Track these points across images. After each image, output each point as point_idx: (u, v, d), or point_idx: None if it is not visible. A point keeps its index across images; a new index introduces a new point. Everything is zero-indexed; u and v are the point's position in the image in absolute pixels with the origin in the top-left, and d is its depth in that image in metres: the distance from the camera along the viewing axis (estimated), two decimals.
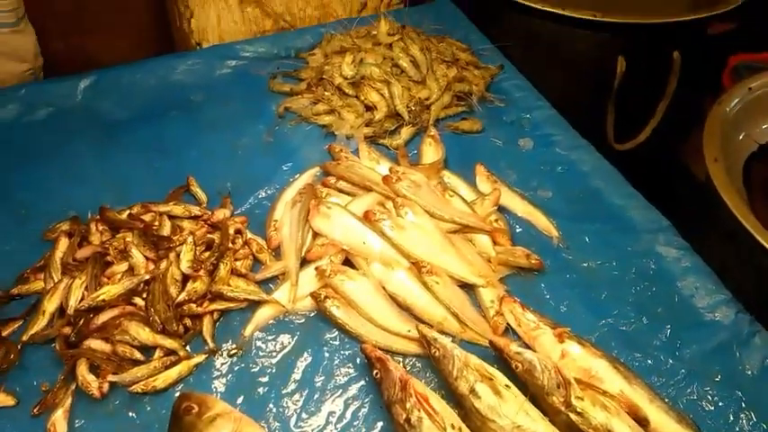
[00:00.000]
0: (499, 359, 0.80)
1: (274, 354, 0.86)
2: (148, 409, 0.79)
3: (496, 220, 1.02)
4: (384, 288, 0.92)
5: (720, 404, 0.79)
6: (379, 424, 0.79)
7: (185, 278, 0.91)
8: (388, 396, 0.76)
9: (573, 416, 0.71)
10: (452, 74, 1.24)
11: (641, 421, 0.73)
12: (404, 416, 0.72)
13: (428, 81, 1.22)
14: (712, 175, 1.03)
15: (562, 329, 0.81)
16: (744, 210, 0.96)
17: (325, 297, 0.90)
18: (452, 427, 0.71)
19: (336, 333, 0.88)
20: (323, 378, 0.83)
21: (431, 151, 1.15)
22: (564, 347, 0.80)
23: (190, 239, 0.94)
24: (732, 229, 1.00)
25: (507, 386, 0.74)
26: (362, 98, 1.20)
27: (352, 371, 0.84)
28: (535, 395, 0.75)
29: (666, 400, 0.76)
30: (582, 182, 1.09)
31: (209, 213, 1.02)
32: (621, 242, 0.99)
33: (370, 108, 1.21)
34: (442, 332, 0.87)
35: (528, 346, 0.83)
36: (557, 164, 1.13)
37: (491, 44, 1.40)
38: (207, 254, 0.94)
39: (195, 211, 1.03)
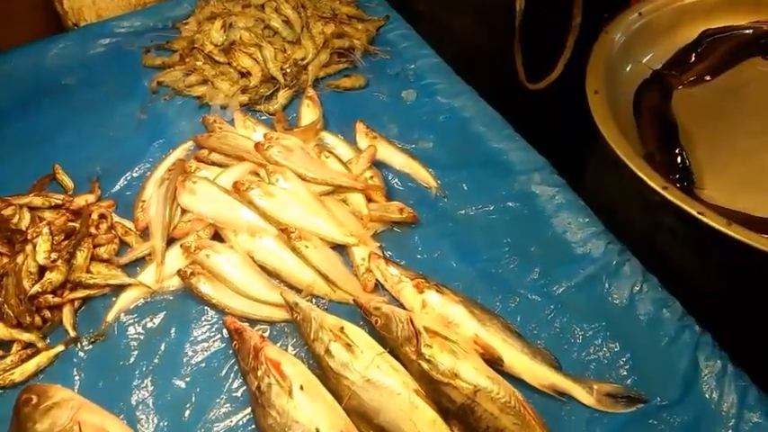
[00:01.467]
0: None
1: (140, 336, 0.86)
2: (8, 403, 0.77)
3: (372, 177, 1.02)
4: (252, 258, 0.93)
5: (587, 335, 0.81)
6: (244, 393, 0.79)
7: (43, 269, 0.91)
8: (244, 365, 0.77)
9: (423, 363, 0.72)
10: (330, 30, 1.22)
11: (496, 361, 0.75)
12: (255, 383, 0.73)
13: (303, 40, 1.20)
14: (592, 108, 1.03)
15: (418, 280, 0.82)
16: (620, 141, 0.96)
17: (191, 273, 0.90)
18: (301, 388, 0.72)
19: (204, 309, 0.88)
20: (189, 355, 0.84)
21: (309, 113, 1.14)
22: (424, 297, 0.81)
23: (45, 230, 0.93)
24: (613, 161, 1.02)
25: (360, 342, 0.75)
26: (235, 65, 1.18)
27: (218, 344, 0.85)
28: (393, 348, 0.77)
29: (522, 338, 0.78)
30: (463, 129, 1.10)
31: (71, 201, 1.01)
32: (498, 186, 1.00)
33: (245, 74, 1.19)
34: (313, 295, 0.89)
35: (397, 301, 0.85)
36: (439, 113, 1.13)
37: None
38: (66, 243, 0.94)
39: (56, 199, 1.01)
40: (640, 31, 1.19)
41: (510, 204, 0.97)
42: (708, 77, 1.15)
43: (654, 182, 0.90)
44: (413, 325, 0.75)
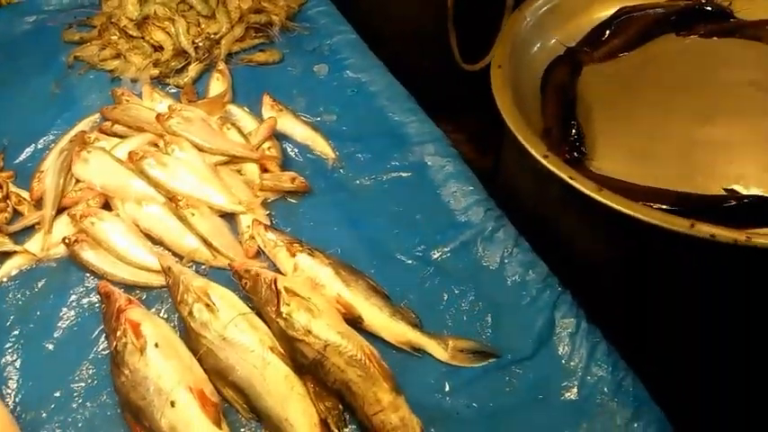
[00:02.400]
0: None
1: (18, 301, 0.88)
2: None
3: (269, 148, 1.04)
4: (138, 226, 0.95)
5: (454, 296, 0.83)
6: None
7: None
8: (107, 327, 0.79)
9: (280, 321, 0.74)
10: (247, 6, 1.24)
11: (356, 319, 0.78)
12: (114, 344, 0.76)
13: (218, 15, 1.22)
14: (492, 82, 1.05)
15: (292, 244, 0.84)
16: (513, 112, 0.98)
17: (75, 241, 0.92)
18: (156, 346, 0.74)
19: (85, 276, 0.90)
20: (63, 319, 0.85)
21: (217, 86, 1.16)
22: (296, 260, 0.83)
23: None
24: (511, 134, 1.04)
25: (224, 304, 0.78)
26: (148, 39, 1.21)
27: (93, 310, 0.86)
28: (259, 309, 0.79)
29: (385, 299, 0.80)
30: (368, 102, 1.12)
31: None
32: (394, 157, 1.02)
33: (158, 48, 1.21)
34: (195, 261, 0.91)
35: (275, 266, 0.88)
36: (347, 87, 1.15)
37: None
38: None
39: None
40: (555, 9, 1.20)
41: (402, 174, 0.99)
42: (620, 54, 1.17)
43: (536, 150, 0.92)
44: (275, 286, 0.77)
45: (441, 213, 0.93)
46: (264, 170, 1.01)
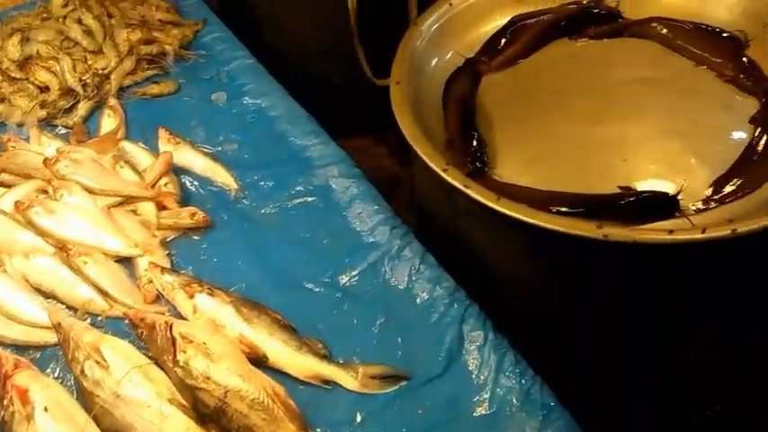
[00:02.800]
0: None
1: None
2: None
3: (166, 184, 1.01)
4: (28, 280, 0.89)
5: (364, 320, 0.82)
6: None
7: None
8: None
9: (178, 370, 0.71)
10: (137, 37, 1.21)
11: (261, 358, 0.76)
12: (2, 414, 0.71)
13: (105, 49, 1.18)
14: (391, 98, 1.06)
15: (190, 285, 0.81)
16: (413, 128, 0.97)
17: None
18: (45, 410, 0.70)
19: None
20: None
21: (109, 123, 1.12)
22: (194, 302, 0.80)
23: None
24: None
25: (117, 358, 0.74)
26: (33, 80, 1.15)
27: None
28: (157, 358, 0.76)
29: (290, 332, 0.78)
30: (269, 128, 1.10)
31: None
32: (297, 182, 1.01)
33: (44, 89, 1.16)
34: (89, 313, 0.86)
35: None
36: (246, 113, 1.14)
37: None
38: None
39: None
40: (452, 20, 1.23)
41: (308, 200, 0.98)
42: (518, 62, 1.20)
43: (435, 164, 0.92)
44: (170, 332, 0.74)
45: (348, 236, 0.92)
46: (162, 208, 0.98)
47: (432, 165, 0.92)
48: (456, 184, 0.89)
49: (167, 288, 0.83)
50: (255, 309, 0.79)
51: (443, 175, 0.91)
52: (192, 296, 0.80)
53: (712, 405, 1.08)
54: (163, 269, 0.85)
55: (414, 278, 0.85)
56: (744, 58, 1.05)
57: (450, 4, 1.22)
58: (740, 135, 0.96)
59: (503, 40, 1.23)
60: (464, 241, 1.03)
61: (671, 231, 0.75)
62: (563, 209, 0.91)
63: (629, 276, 0.90)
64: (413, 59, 1.14)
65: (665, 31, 1.14)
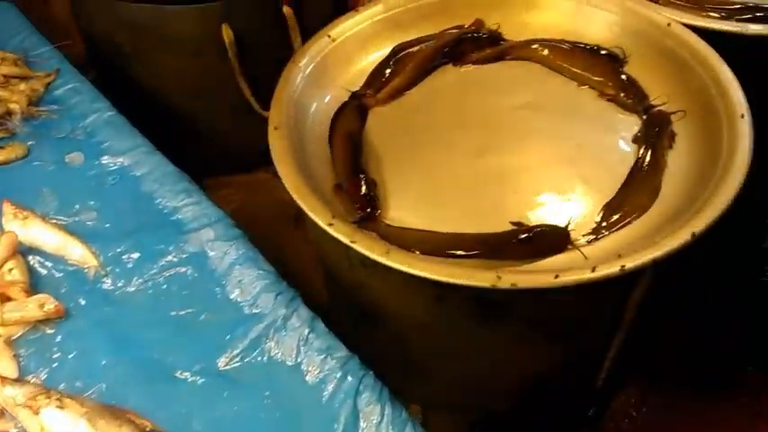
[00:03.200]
0: None
1: None
2: None
3: (11, 270, 0.87)
4: None
5: (249, 410, 0.74)
6: None
7: None
8: None
9: None
10: None
11: None
12: None
13: None
14: (270, 146, 0.98)
15: (34, 397, 0.70)
16: (295, 178, 0.90)
17: None
18: None
19: None
20: None
21: None
22: (40, 419, 0.69)
23: None
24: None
25: None
26: None
27: None
28: None
29: None
30: (134, 190, 0.99)
31: None
32: (169, 250, 0.90)
33: None
34: None
35: None
36: (107, 175, 1.01)
37: (50, 46, 1.24)
38: None
39: None
40: (333, 54, 1.17)
41: (180, 270, 0.87)
42: (404, 92, 1.16)
43: (321, 218, 0.85)
44: None
45: (227, 309, 0.82)
46: (7, 299, 0.85)
47: (316, 219, 0.85)
48: (342, 239, 0.82)
49: (9, 404, 0.70)
50: (115, 417, 0.68)
51: (329, 230, 0.84)
52: (37, 412, 0.68)
53: None
54: (3, 380, 0.72)
55: (302, 351, 0.77)
56: (623, 76, 1.06)
57: (329, 37, 1.17)
58: (625, 156, 0.95)
59: (387, 71, 1.18)
60: (365, 292, 0.97)
61: (556, 276, 0.71)
62: (459, 252, 0.87)
63: (534, 317, 0.87)
64: (293, 100, 1.06)
65: (545, 52, 1.14)
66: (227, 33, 1.38)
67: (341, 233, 0.81)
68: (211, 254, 0.88)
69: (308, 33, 1.25)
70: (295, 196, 0.87)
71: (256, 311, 0.81)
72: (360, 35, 1.19)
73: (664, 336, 1.31)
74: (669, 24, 1.05)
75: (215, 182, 1.80)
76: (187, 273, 0.86)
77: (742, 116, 0.86)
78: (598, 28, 1.14)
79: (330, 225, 0.83)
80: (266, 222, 1.67)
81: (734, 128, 0.86)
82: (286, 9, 1.44)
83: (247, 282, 0.84)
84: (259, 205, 1.73)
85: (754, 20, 1.16)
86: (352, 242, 0.80)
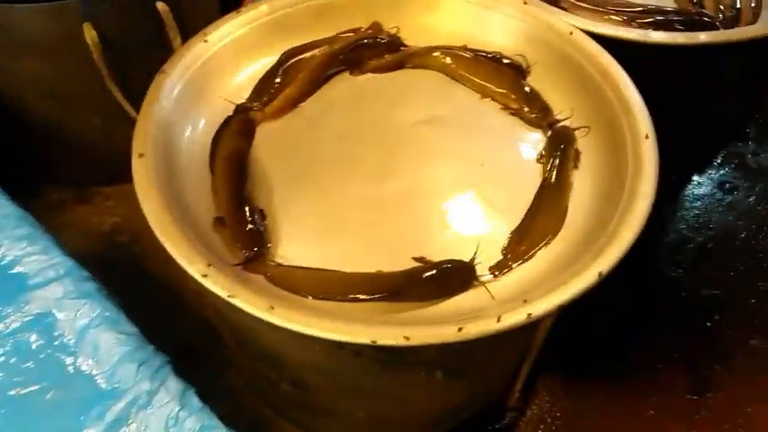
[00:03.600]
0: None
1: None
2: None
3: None
4: None
5: None
6: None
7: None
8: None
9: None
10: None
11: None
12: None
13: None
14: (134, 177, 0.85)
15: None
16: (162, 215, 0.78)
17: None
18: None
19: None
20: None
21: None
22: None
23: None
24: None
25: None
26: None
27: None
28: None
29: None
30: None
31: None
32: (8, 313, 0.74)
33: None
34: None
35: None
36: None
37: None
38: None
39: None
40: (213, 61, 1.03)
41: (21, 338, 0.72)
42: (295, 105, 1.05)
43: (194, 267, 0.74)
44: None
45: (79, 384, 0.69)
46: None
47: (189, 269, 0.73)
48: (220, 293, 0.71)
49: None
50: None
51: (203, 282, 0.72)
52: None
53: None
54: None
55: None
56: (526, 88, 1.01)
57: (207, 41, 1.04)
58: (531, 176, 0.90)
59: (276, 80, 1.06)
60: (260, 338, 0.87)
61: (460, 329, 0.65)
62: (358, 296, 0.78)
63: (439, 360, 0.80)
64: (163, 118, 0.92)
65: (448, 60, 1.07)
66: (89, 34, 1.21)
67: (218, 286, 0.70)
68: (60, 315, 0.74)
69: (191, 32, 1.11)
70: (163, 239, 0.75)
71: (115, 386, 0.69)
72: (243, 39, 1.06)
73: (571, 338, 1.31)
74: (571, 33, 1.01)
75: (92, 194, 1.63)
76: (30, 341, 0.72)
77: (646, 137, 0.83)
78: (501, 34, 1.08)
79: (205, 276, 0.72)
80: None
81: (638, 149, 0.82)
82: (160, 5, 1.28)
83: (104, 349, 0.71)
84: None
85: (655, 24, 1.16)
86: (230, 296, 0.69)
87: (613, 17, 1.18)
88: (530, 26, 1.06)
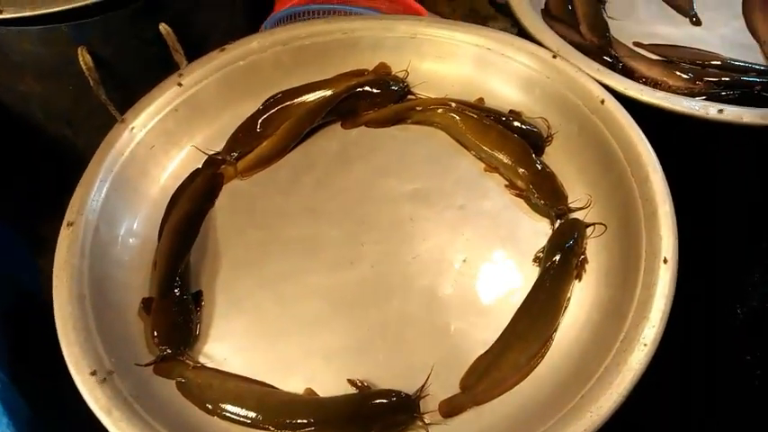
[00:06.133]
0: None
1: None
2: None
3: None
4: None
5: None
6: None
7: None
8: None
9: None
10: None
11: None
12: None
13: None
14: (57, 245, 0.78)
15: None
16: (67, 310, 0.70)
17: None
18: None
19: None
20: None
21: None
22: None
23: None
24: None
25: None
26: None
27: None
28: None
29: None
30: None
31: None
32: None
33: None
34: None
35: None
36: None
37: None
38: None
39: None
40: (187, 105, 0.97)
41: None
42: (271, 161, 0.96)
43: (84, 383, 0.66)
44: None
45: None
46: None
47: (74, 375, 0.66)
48: (92, 406, 0.64)
49: None
50: None
51: (87, 399, 0.65)
52: None
53: None
54: None
55: None
56: (537, 164, 0.87)
57: (180, 85, 0.98)
58: (521, 282, 0.77)
59: (257, 130, 0.98)
60: None
61: None
62: (298, 421, 0.68)
63: None
64: (113, 178, 0.86)
65: (454, 119, 0.94)
66: (83, 59, 1.19)
67: (99, 406, 0.63)
68: None
69: (200, 50, 1.06)
70: (60, 335, 0.69)
71: None
72: (226, 79, 0.99)
73: None
74: (603, 101, 0.86)
75: None
76: None
77: (665, 260, 0.67)
78: (524, 90, 0.96)
79: (90, 381, 0.65)
80: None
81: (651, 275, 0.67)
82: (163, 27, 1.25)
83: None
84: None
85: (729, 86, 0.98)
86: (102, 413, 0.61)
87: (678, 73, 1.01)
88: (556, 85, 0.92)
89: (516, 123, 0.92)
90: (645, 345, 0.61)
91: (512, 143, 0.89)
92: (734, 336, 0.99)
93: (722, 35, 1.09)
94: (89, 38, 1.19)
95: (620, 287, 0.70)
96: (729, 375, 0.94)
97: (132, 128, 0.93)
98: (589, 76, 0.89)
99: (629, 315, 0.65)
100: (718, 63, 1.02)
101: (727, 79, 0.99)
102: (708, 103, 0.87)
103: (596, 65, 0.94)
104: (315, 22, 1.09)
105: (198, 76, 0.99)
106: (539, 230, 0.82)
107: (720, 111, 0.85)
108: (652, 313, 0.63)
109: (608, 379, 0.60)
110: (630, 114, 0.85)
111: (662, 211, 0.71)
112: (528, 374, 0.68)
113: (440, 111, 0.96)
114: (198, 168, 0.95)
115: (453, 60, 1.01)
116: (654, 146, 0.81)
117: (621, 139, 0.81)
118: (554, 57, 0.93)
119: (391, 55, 1.03)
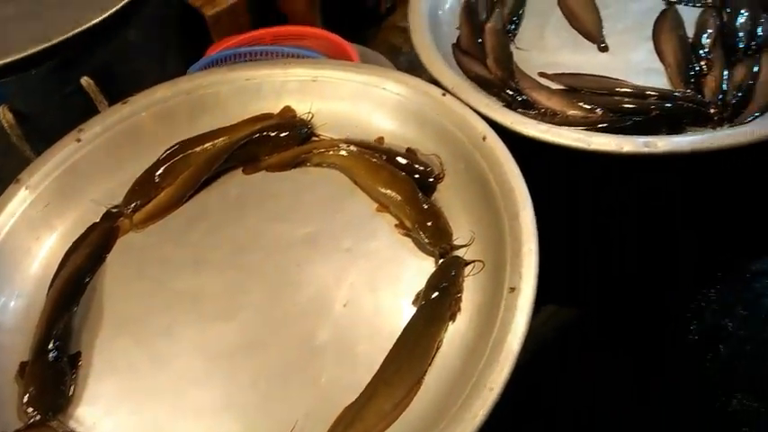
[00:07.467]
0: None
1: None
2: None
3: None
4: None
5: None
6: None
7: None
8: None
9: None
10: None
11: None
12: None
13: None
14: None
15: None
16: None
17: None
18: None
19: None
20: None
21: None
22: None
23: None
24: None
25: None
26: None
27: None
28: None
29: None
30: None
31: None
32: None
33: None
34: None
35: None
36: None
37: None
38: None
39: None
40: (86, 160, 0.99)
41: None
42: (168, 211, 0.98)
43: None
44: None
45: None
46: None
47: None
48: None
49: None
50: None
51: None
52: None
53: None
54: None
55: None
56: (424, 203, 0.87)
57: (80, 140, 1.00)
58: (393, 329, 0.76)
59: (155, 181, 1.00)
60: None
61: None
62: None
63: None
64: (5, 240, 0.88)
65: (351, 160, 0.96)
66: (4, 117, 1.23)
67: None
68: None
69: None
70: None
71: None
72: (129, 131, 1.02)
73: None
74: (485, 138, 0.87)
75: None
76: None
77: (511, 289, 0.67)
78: (419, 129, 0.97)
79: None
80: None
81: (509, 310, 0.67)
82: (84, 80, 1.28)
83: None
84: None
85: (632, 113, 0.99)
86: None
87: (577, 102, 1.02)
88: (444, 122, 0.93)
89: (408, 162, 0.94)
90: (491, 389, 0.60)
91: (399, 182, 0.90)
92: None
93: (629, 60, 1.10)
94: (9, 96, 1.23)
95: (483, 326, 0.70)
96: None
97: (26, 187, 0.94)
98: (475, 113, 0.91)
99: (485, 351, 0.65)
100: (620, 90, 1.03)
101: (629, 106, 1.01)
102: (590, 133, 0.88)
103: (487, 99, 0.96)
104: (217, 70, 1.13)
105: (99, 130, 1.01)
106: (423, 270, 0.82)
107: (602, 143, 0.86)
108: (502, 355, 0.63)
109: (451, 427, 0.59)
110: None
111: (525, 249, 0.72)
112: (393, 422, 0.68)
113: (337, 152, 0.98)
114: (95, 223, 0.97)
115: (353, 101, 1.03)
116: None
117: (498, 175, 0.82)
118: (443, 94, 0.95)
119: (294, 98, 1.05)
